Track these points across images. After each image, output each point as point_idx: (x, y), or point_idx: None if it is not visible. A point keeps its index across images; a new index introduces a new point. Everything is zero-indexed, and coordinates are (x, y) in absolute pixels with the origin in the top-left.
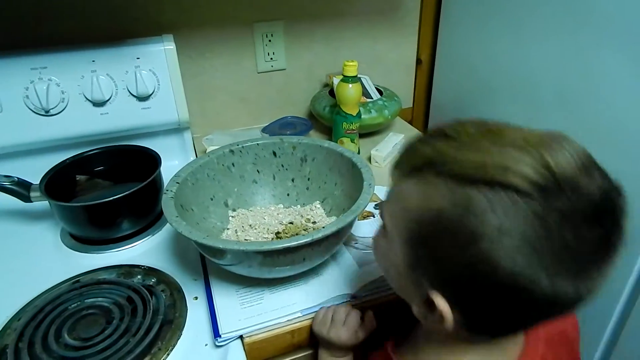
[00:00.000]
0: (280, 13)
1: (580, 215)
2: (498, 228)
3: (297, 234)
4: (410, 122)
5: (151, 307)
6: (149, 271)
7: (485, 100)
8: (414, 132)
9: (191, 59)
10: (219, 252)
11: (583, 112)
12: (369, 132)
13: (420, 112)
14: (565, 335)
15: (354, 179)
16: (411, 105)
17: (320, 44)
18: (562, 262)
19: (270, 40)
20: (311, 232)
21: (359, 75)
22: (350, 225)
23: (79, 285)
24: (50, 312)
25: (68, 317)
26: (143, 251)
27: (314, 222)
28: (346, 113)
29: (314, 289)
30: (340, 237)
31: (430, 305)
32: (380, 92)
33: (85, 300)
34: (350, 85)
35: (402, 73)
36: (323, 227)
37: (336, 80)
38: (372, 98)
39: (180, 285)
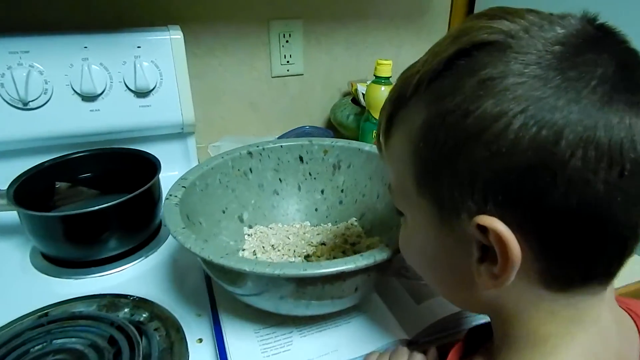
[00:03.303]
0: (298, 11)
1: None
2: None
3: (333, 258)
4: None
5: (140, 353)
6: (140, 303)
7: None
8: None
9: (196, 56)
10: (241, 278)
11: None
12: None
13: None
14: None
15: None
16: None
17: (341, 47)
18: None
19: (287, 41)
20: (373, 250)
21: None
22: None
23: (47, 320)
24: (6, 356)
25: None
26: (132, 277)
27: (353, 244)
28: (376, 119)
29: (358, 331)
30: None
31: (485, 252)
32: None
33: (54, 341)
34: (383, 87)
35: None
36: (386, 245)
37: (361, 87)
38: None
39: (180, 322)
